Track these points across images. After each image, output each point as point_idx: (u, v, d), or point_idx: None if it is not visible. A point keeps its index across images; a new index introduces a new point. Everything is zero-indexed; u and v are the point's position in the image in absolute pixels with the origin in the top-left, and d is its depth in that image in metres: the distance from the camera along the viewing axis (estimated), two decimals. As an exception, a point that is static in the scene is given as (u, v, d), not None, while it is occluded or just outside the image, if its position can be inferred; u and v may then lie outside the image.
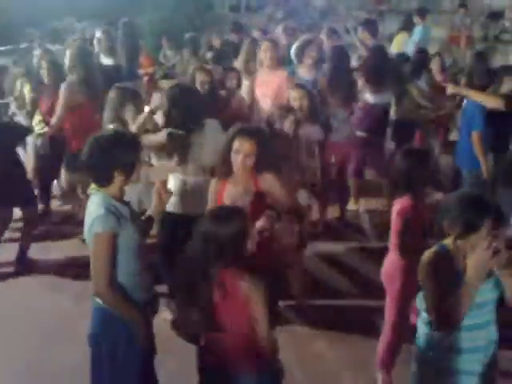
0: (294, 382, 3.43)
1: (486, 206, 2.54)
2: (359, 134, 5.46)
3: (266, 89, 5.27)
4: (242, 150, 3.23)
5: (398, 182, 3.41)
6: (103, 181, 2.72)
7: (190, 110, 3.86)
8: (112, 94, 4.22)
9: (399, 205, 3.33)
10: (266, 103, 5.20)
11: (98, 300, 2.70)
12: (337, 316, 4.33)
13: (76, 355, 3.51)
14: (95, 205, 2.67)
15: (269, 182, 3.35)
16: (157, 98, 4.75)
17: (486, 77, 5.13)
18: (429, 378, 2.72)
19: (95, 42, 6.90)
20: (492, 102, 4.66)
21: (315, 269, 4.91)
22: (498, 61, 10.19)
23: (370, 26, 7.04)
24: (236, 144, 3.25)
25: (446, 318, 2.50)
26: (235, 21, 9.32)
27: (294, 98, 4.57)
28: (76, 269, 4.72)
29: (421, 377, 2.76)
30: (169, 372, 3.03)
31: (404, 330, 3.41)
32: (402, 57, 6.58)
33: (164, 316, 3.70)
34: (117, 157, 2.67)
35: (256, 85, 5.40)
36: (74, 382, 3.52)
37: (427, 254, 2.61)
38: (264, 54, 5.36)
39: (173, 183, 3.89)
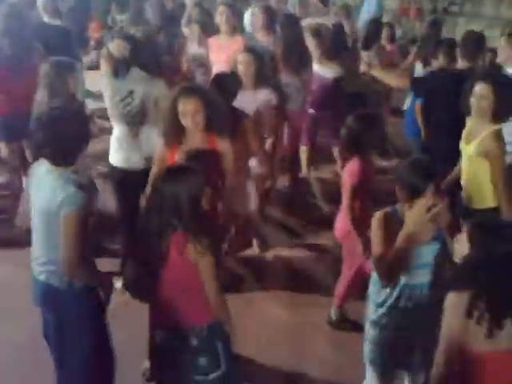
0: (248, 347, 3.52)
1: (429, 171, 2.69)
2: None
3: (221, 54, 5.19)
4: (188, 111, 3.22)
5: (348, 145, 3.57)
6: (66, 162, 2.65)
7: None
8: (46, 69, 3.87)
9: (349, 167, 3.52)
10: (220, 68, 5.16)
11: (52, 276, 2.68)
12: (292, 281, 4.42)
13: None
14: (60, 181, 2.60)
15: (223, 144, 3.37)
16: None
17: (438, 45, 5.25)
18: (374, 333, 2.86)
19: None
20: (398, 83, 4.84)
21: (270, 235, 4.99)
22: (446, 33, 10.43)
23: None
24: (181, 106, 3.23)
25: (388, 272, 2.64)
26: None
27: (240, 62, 4.43)
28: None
29: (368, 332, 2.91)
30: (119, 341, 3.05)
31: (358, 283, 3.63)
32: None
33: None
34: (81, 137, 2.66)
35: (212, 49, 5.34)
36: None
37: (379, 212, 2.77)
38: (220, 17, 5.31)
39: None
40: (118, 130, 3.98)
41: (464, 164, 3.71)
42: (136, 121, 3.89)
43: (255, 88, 4.41)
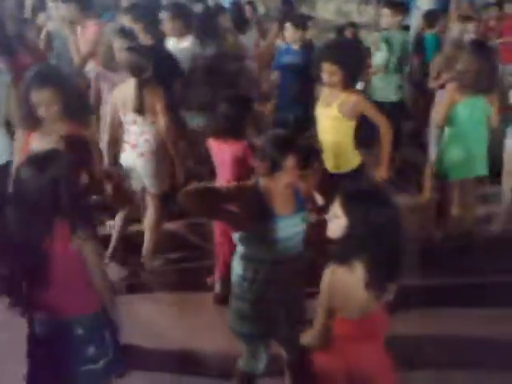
0: (136, 333, 3.50)
1: (286, 145, 2.72)
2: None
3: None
4: (41, 102, 3.09)
5: (226, 128, 3.64)
6: None
7: None
8: None
9: (232, 147, 3.64)
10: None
11: None
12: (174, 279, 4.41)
13: None
14: None
15: (85, 132, 3.29)
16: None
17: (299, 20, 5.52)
18: (237, 305, 2.89)
19: None
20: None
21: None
22: (305, 11, 10.72)
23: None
24: (33, 97, 3.09)
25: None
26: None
27: None
28: None
29: (231, 304, 2.94)
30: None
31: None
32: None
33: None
34: None
35: None
36: None
37: (241, 185, 2.80)
38: None
39: None
40: None
41: (324, 128, 3.92)
42: None
43: None
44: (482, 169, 4.51)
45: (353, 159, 3.96)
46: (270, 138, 2.79)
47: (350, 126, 3.85)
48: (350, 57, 3.83)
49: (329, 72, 3.73)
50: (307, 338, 2.45)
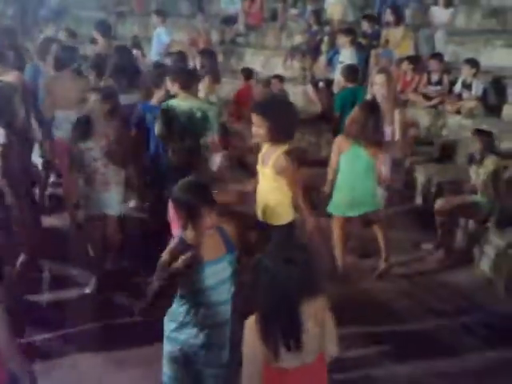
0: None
1: (204, 192, 2.68)
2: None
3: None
4: None
5: None
6: None
7: None
8: None
9: None
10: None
11: None
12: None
13: None
14: None
15: None
16: None
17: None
18: (167, 348, 2.83)
19: None
20: None
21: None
22: (234, 64, 10.88)
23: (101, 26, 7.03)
24: None
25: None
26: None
27: None
28: None
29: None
30: None
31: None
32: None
33: None
34: None
35: None
36: None
37: (166, 250, 2.66)
38: None
39: None
40: None
41: (262, 185, 3.86)
42: None
43: None
44: (373, 205, 4.90)
45: (285, 216, 3.85)
46: (185, 184, 2.70)
47: (284, 183, 3.76)
48: (276, 109, 3.74)
49: (255, 123, 3.69)
50: None
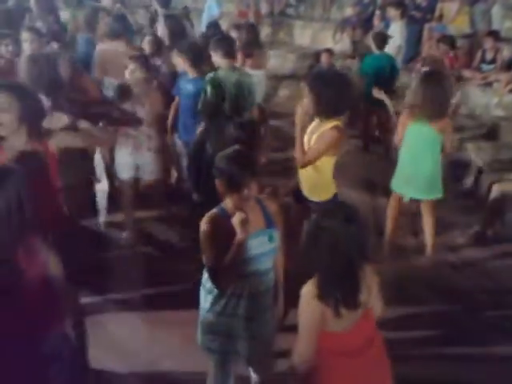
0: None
1: (247, 163, 2.65)
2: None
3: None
4: None
5: None
6: None
7: None
8: None
9: None
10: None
11: None
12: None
13: None
14: None
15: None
16: None
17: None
18: (205, 320, 2.83)
19: None
20: None
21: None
22: (283, 35, 10.75)
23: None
24: None
25: (224, 281, 2.62)
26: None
27: None
28: None
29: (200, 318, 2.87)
30: None
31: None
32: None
33: None
34: None
35: None
36: None
37: (205, 217, 2.64)
38: None
39: None
40: None
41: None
42: None
43: None
44: (433, 192, 4.61)
45: (328, 191, 3.84)
46: (229, 155, 2.68)
47: (329, 161, 3.73)
48: (323, 83, 3.66)
49: (306, 95, 3.65)
50: (295, 357, 2.38)
